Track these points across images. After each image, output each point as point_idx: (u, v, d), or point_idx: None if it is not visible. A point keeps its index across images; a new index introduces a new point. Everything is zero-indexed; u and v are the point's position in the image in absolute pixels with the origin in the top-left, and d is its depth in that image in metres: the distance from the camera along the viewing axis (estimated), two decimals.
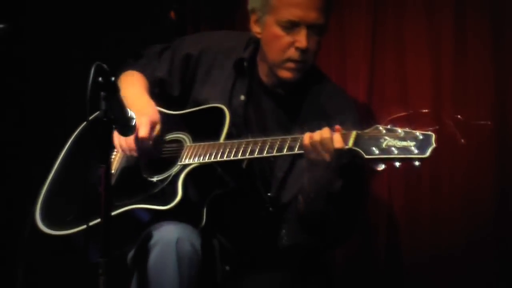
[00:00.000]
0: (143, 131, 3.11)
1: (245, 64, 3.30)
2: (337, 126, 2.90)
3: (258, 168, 3.21)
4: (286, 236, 3.17)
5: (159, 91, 3.41)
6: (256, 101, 3.30)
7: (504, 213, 3.61)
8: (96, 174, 2.79)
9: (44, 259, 3.51)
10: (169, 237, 2.95)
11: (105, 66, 2.68)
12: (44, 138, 3.90)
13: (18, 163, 4.00)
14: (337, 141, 2.84)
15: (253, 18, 3.25)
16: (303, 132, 3.01)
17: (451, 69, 3.68)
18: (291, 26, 3.12)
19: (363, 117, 3.68)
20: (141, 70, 3.44)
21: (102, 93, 2.69)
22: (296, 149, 2.95)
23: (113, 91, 2.70)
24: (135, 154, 3.16)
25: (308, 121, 3.19)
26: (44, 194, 3.26)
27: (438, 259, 3.68)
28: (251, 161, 3.10)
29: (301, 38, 3.12)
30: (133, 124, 2.81)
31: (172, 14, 3.95)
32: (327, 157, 2.87)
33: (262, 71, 3.30)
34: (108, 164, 2.68)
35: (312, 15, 3.11)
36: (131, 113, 2.80)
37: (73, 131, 3.42)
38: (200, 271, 2.98)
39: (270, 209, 3.20)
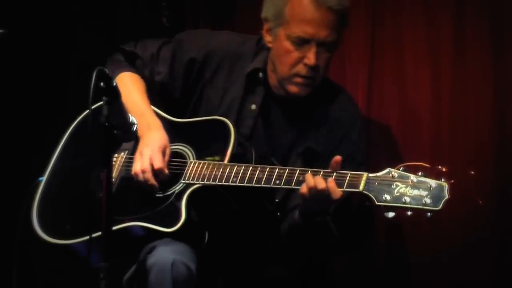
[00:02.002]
0: (158, 163, 3.07)
1: (260, 75, 3.26)
2: (337, 158, 2.87)
3: None
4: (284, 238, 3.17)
5: (159, 93, 3.36)
6: (265, 111, 3.27)
7: (504, 213, 3.61)
8: (94, 179, 2.76)
9: (44, 262, 3.50)
10: (164, 260, 2.91)
11: (106, 71, 2.67)
12: (43, 141, 3.88)
13: (18, 165, 3.98)
14: (335, 193, 2.83)
15: (265, 26, 3.22)
16: (313, 143, 3.11)
17: (450, 71, 3.69)
18: (301, 42, 3.10)
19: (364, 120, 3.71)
20: (138, 72, 3.37)
21: (104, 98, 2.68)
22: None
23: (115, 96, 2.69)
24: (156, 187, 3.10)
25: (316, 132, 3.21)
26: (39, 197, 3.20)
27: (438, 259, 3.69)
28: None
29: (310, 55, 3.09)
30: (134, 129, 2.79)
31: (165, 20, 3.93)
32: (326, 205, 2.91)
33: (272, 81, 3.26)
34: (110, 169, 2.66)
35: (322, 33, 3.09)
36: (132, 118, 2.78)
37: (66, 130, 3.36)
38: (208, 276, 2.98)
39: (278, 214, 3.19)
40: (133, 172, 3.09)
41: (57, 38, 4.04)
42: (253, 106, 3.26)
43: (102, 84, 2.65)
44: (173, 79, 3.33)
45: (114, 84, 2.67)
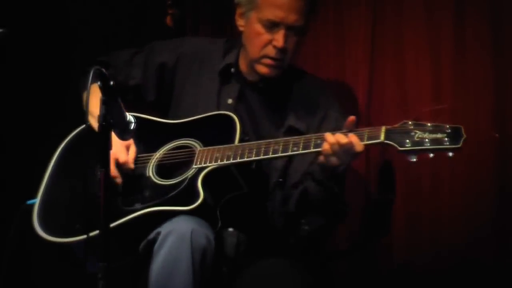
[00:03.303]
0: (122, 157, 3.21)
1: (232, 70, 3.41)
2: (351, 118, 3.00)
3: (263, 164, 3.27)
4: (307, 225, 3.24)
5: (133, 97, 3.48)
6: (245, 101, 3.38)
7: (504, 213, 3.61)
8: (96, 179, 2.77)
9: (43, 262, 3.52)
10: (184, 228, 2.96)
11: (103, 70, 2.69)
12: (42, 141, 3.89)
13: (18, 163, 4.00)
14: (358, 145, 2.95)
15: (238, 11, 3.37)
16: (293, 122, 3.24)
17: (450, 70, 3.69)
18: (271, 25, 3.26)
19: (364, 119, 3.72)
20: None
21: (101, 97, 2.70)
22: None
23: (112, 95, 2.71)
24: (118, 181, 3.21)
25: (295, 112, 3.33)
26: (40, 199, 3.26)
27: (439, 259, 3.69)
28: (260, 161, 3.16)
29: (279, 38, 3.25)
30: (132, 128, 2.81)
31: (168, 19, 3.95)
32: (348, 160, 3.00)
33: (246, 70, 3.41)
34: (108, 168, 2.68)
35: (292, 17, 3.24)
36: (129, 116, 2.80)
37: (67, 135, 3.43)
38: (213, 264, 2.99)
39: (280, 180, 3.28)
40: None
41: (58, 39, 4.06)
42: (230, 101, 3.39)
43: (99, 83, 2.68)
44: (146, 80, 3.47)
45: (112, 83, 2.70)
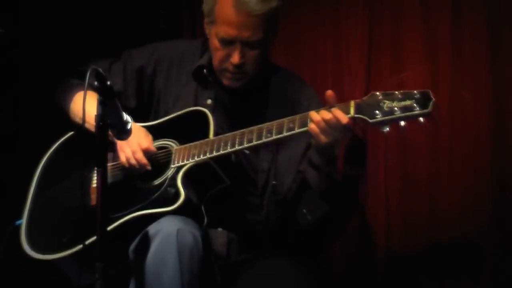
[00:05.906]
0: (145, 143, 3.18)
1: (204, 71, 3.37)
2: (329, 92, 2.96)
3: (245, 162, 3.27)
4: (309, 214, 3.21)
5: None
6: (221, 103, 3.37)
7: (502, 211, 3.61)
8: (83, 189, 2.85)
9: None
10: (169, 228, 2.95)
11: (100, 70, 2.68)
12: (37, 142, 3.90)
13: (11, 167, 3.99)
14: (343, 118, 2.91)
15: (205, 19, 3.32)
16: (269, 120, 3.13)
17: (448, 70, 3.69)
18: (226, 42, 3.21)
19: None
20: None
21: (98, 97, 2.70)
22: (296, 128, 3.00)
23: (109, 95, 2.70)
24: (148, 167, 3.18)
25: (275, 111, 3.27)
26: (27, 218, 3.27)
27: (438, 259, 3.68)
28: (238, 154, 3.18)
29: (235, 55, 3.22)
30: (129, 127, 2.80)
31: (163, 25, 3.96)
32: (337, 135, 2.95)
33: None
34: (105, 167, 2.68)
35: (245, 34, 3.18)
36: (126, 116, 2.80)
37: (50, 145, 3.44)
38: (201, 263, 2.97)
39: (274, 182, 3.27)
40: (123, 160, 3.16)
41: (54, 42, 4.07)
42: (209, 101, 3.37)
43: (96, 83, 2.68)
44: (126, 86, 3.43)
45: (109, 83, 2.69)
